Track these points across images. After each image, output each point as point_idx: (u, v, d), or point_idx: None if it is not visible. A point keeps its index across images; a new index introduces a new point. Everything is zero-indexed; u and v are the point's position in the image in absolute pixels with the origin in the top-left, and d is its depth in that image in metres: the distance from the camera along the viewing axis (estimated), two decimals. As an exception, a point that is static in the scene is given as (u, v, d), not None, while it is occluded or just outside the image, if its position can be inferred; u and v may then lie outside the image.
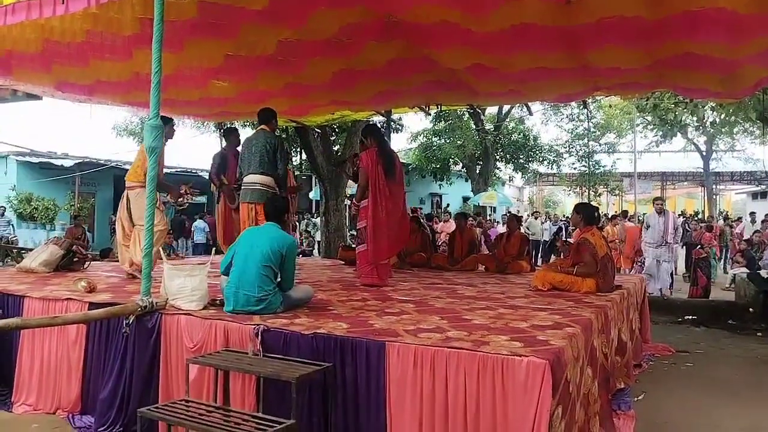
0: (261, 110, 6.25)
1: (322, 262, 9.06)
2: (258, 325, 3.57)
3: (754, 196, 31.25)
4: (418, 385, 3.03)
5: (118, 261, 6.39)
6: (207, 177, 8.44)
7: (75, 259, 6.54)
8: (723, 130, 21.37)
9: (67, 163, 18.14)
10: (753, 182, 31.41)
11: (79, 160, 18.21)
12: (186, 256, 14.95)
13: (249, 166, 5.87)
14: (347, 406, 3.26)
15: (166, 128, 6.11)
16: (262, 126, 6.11)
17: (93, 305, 4.24)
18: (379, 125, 10.01)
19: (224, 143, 7.79)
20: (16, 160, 18.20)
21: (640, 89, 8.29)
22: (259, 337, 3.48)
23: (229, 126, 10.69)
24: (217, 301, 4.16)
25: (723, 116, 15.23)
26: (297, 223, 10.17)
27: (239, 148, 6.90)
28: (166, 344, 3.90)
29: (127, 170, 6.13)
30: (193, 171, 20.23)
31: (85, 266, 6.67)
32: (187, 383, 3.48)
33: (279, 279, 4.15)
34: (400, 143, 26.04)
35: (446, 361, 2.97)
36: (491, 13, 4.79)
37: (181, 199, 6.36)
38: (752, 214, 17.04)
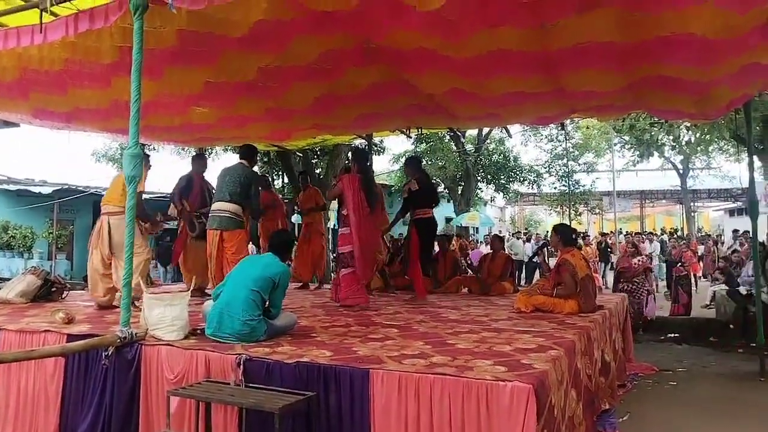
0: (242, 146, 6.47)
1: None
2: (240, 354, 3.52)
3: (731, 212, 31.84)
4: (402, 412, 3.01)
5: None
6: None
7: (53, 289, 6.42)
8: (699, 148, 21.74)
9: (45, 189, 17.84)
10: (729, 199, 32.00)
11: (58, 187, 17.93)
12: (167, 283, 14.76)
13: (220, 194, 5.87)
14: (332, 435, 3.21)
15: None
16: (242, 160, 6.20)
17: (71, 337, 4.16)
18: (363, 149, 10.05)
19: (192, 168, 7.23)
20: (-7, 188, 17.92)
21: (616, 111, 8.42)
22: (241, 366, 3.43)
23: (197, 152, 10.23)
24: (198, 330, 4.11)
25: (698, 135, 15.53)
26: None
27: (206, 175, 7.05)
28: (146, 376, 3.83)
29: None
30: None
31: (63, 296, 6.56)
32: (168, 416, 3.42)
33: (266, 306, 4.11)
34: (382, 165, 26.18)
35: (431, 387, 2.95)
36: (468, 40, 4.85)
37: (158, 227, 6.34)
38: (735, 231, 17.16)
